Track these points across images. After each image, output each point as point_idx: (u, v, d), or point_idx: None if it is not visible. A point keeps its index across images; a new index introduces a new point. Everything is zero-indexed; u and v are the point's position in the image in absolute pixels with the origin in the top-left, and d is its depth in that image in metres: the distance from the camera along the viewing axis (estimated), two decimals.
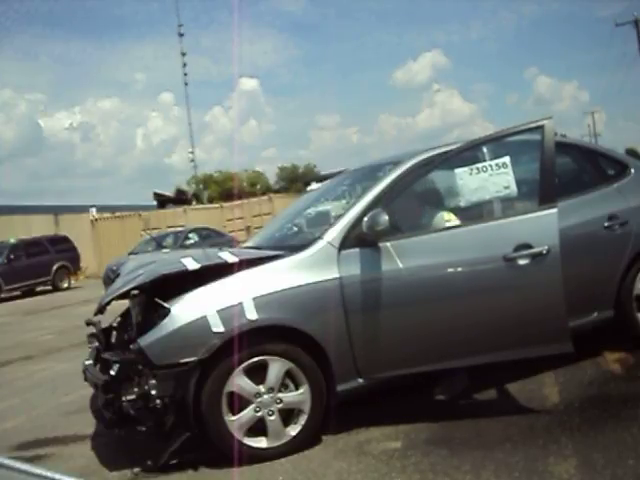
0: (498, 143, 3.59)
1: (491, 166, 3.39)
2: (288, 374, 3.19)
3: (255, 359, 3.13)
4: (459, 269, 3.34)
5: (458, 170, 3.45)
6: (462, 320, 3.31)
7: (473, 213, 3.56)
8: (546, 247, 3.22)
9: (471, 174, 3.40)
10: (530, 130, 3.51)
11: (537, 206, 3.36)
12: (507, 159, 3.39)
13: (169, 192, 33.15)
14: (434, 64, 71.52)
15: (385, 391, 3.56)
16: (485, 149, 3.54)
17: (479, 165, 3.40)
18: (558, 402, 3.42)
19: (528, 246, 3.25)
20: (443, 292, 3.34)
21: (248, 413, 3.13)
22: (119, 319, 3.93)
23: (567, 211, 3.82)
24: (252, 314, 3.12)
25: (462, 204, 3.55)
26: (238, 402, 3.12)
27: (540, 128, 3.43)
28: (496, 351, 3.33)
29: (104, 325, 3.87)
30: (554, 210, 3.27)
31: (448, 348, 3.34)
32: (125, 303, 3.70)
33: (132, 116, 68.20)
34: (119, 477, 3.20)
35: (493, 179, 3.37)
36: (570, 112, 73.04)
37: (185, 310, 3.16)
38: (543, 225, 3.29)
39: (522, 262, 3.25)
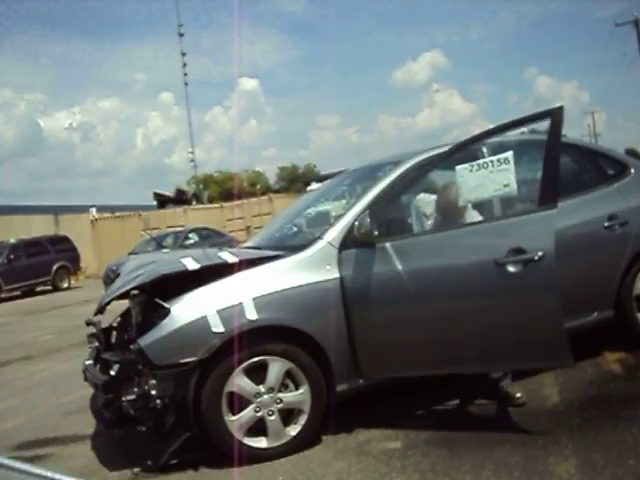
0: (501, 140, 3.48)
1: (492, 162, 3.17)
2: (288, 374, 3.19)
3: (255, 359, 3.13)
4: (453, 272, 3.20)
5: (459, 167, 3.27)
6: (457, 326, 3.18)
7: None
8: (539, 253, 2.96)
9: (472, 171, 3.21)
10: (538, 118, 3.25)
11: (536, 206, 3.14)
12: (509, 154, 3.16)
13: (169, 192, 33.16)
14: (434, 64, 71.61)
15: (385, 391, 3.56)
16: (486, 145, 3.42)
17: (480, 161, 3.21)
18: (558, 402, 3.43)
19: (521, 251, 3.03)
20: (439, 295, 3.23)
21: (248, 413, 3.13)
22: (119, 319, 3.93)
23: (567, 211, 3.80)
24: (252, 314, 3.12)
25: (460, 204, 3.47)
26: (238, 402, 3.12)
27: (548, 116, 3.15)
28: (494, 361, 3.23)
29: (104, 325, 3.87)
30: (553, 211, 3.03)
31: (446, 352, 3.25)
32: (125, 303, 3.70)
33: (132, 116, 68.31)
34: (119, 477, 3.20)
35: (493, 176, 3.15)
36: (570, 112, 72.97)
37: (185, 310, 3.16)
38: (539, 228, 3.05)
39: (512, 268, 3.03)
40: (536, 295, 3.04)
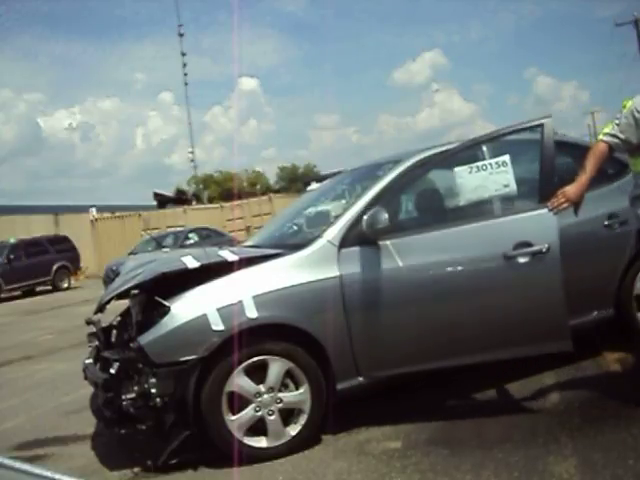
0: (499, 142, 3.57)
1: (491, 164, 3.36)
2: (288, 374, 3.19)
3: (255, 359, 3.13)
4: (459, 267, 3.32)
5: (458, 168, 3.41)
6: (462, 318, 3.30)
7: (473, 211, 3.53)
8: (546, 245, 3.21)
9: (471, 172, 3.37)
10: (529, 128, 3.51)
11: (537, 204, 3.34)
12: (507, 157, 3.36)
13: (169, 192, 33.21)
14: (434, 64, 71.62)
15: (385, 391, 3.56)
16: (485, 147, 3.51)
17: (479, 164, 3.38)
18: (558, 402, 3.42)
19: (528, 244, 3.24)
20: (443, 290, 3.33)
21: (248, 413, 3.13)
22: (119, 318, 3.92)
23: (567, 209, 3.81)
24: (252, 312, 3.12)
25: (462, 202, 3.51)
26: (238, 402, 3.12)
27: (540, 127, 3.42)
28: (497, 349, 3.33)
29: (104, 324, 3.86)
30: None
31: (448, 346, 3.33)
32: (125, 302, 3.70)
33: (132, 116, 68.49)
34: (119, 477, 3.20)
35: (493, 177, 3.34)
36: (570, 112, 73.15)
37: (185, 308, 3.16)
38: (543, 223, 3.27)
39: (522, 260, 3.24)
40: (543, 284, 3.26)
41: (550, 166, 3.40)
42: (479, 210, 3.52)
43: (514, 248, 3.25)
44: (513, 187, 3.34)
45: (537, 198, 3.38)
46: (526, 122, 3.55)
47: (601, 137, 3.20)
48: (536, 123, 3.46)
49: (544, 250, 3.21)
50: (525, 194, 3.55)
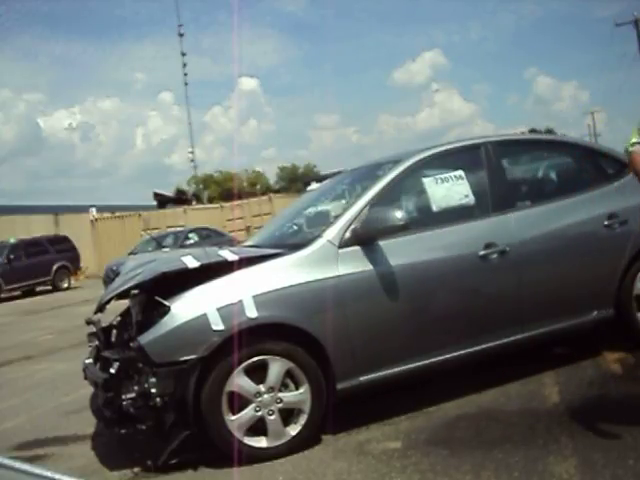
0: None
1: (450, 177, 3.74)
2: (288, 373, 3.19)
3: (255, 359, 3.13)
4: (452, 265, 3.56)
5: (426, 179, 3.73)
6: (454, 312, 3.56)
7: (453, 215, 3.71)
8: (507, 246, 3.61)
9: (437, 183, 3.71)
10: (471, 148, 3.98)
11: (493, 212, 3.76)
12: (461, 172, 3.75)
13: (169, 192, 33.23)
14: (433, 64, 71.66)
15: (385, 391, 3.56)
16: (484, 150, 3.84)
17: (442, 176, 3.73)
18: (558, 402, 3.42)
19: (494, 245, 3.62)
20: (436, 287, 3.56)
21: (248, 413, 3.13)
22: (119, 318, 3.92)
23: (567, 210, 3.87)
24: (252, 312, 3.12)
25: (440, 208, 3.72)
26: (238, 401, 3.12)
27: (482, 146, 3.90)
28: (471, 338, 3.59)
29: (104, 324, 3.86)
30: (507, 215, 3.75)
31: (441, 340, 3.53)
32: (125, 302, 3.70)
33: (132, 116, 68.56)
34: (119, 477, 3.20)
35: (455, 188, 3.71)
36: (570, 112, 73.21)
37: (185, 308, 3.16)
38: (502, 227, 3.71)
39: (491, 257, 3.61)
40: (506, 279, 3.68)
41: (497, 180, 3.87)
42: (460, 214, 3.73)
43: (484, 247, 3.60)
44: (471, 197, 3.74)
45: (493, 206, 3.78)
46: (469, 140, 4.07)
47: (630, 149, 3.19)
48: (480, 142, 3.95)
49: (507, 249, 3.62)
50: (484, 202, 3.82)
